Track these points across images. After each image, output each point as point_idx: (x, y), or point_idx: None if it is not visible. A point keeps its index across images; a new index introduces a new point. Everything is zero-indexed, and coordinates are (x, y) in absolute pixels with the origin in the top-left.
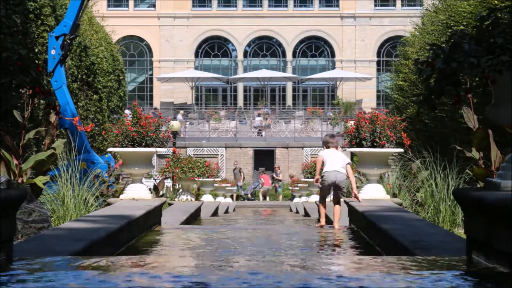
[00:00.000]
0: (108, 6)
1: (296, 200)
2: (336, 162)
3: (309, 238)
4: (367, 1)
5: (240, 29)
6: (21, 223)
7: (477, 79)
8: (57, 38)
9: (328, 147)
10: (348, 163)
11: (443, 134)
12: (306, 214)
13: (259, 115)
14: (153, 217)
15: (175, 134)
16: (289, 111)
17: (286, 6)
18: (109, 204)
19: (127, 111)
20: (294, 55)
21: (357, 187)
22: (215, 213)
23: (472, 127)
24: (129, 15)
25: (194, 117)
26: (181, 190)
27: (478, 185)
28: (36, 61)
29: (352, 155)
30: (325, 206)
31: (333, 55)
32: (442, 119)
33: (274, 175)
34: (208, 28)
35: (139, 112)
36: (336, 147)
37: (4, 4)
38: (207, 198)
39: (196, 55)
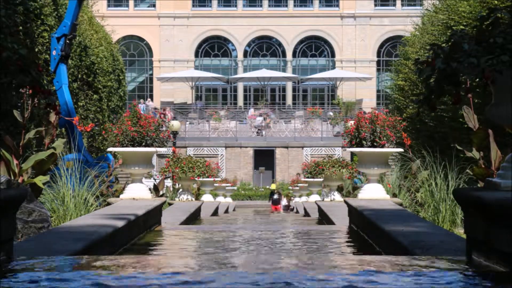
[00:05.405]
0: (108, 6)
1: (296, 200)
2: None
3: (309, 237)
4: (367, 1)
5: (240, 29)
6: (21, 223)
7: (477, 80)
8: (58, 39)
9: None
10: None
11: (443, 133)
12: (306, 214)
13: (260, 115)
14: (153, 217)
15: (175, 134)
16: (289, 111)
17: (286, 6)
18: (109, 203)
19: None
20: (294, 55)
21: (357, 187)
22: (215, 213)
23: (472, 127)
24: (129, 15)
25: (194, 117)
26: (181, 190)
27: (478, 185)
28: (36, 61)
29: (352, 155)
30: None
31: (333, 55)
32: (442, 118)
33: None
34: (208, 28)
35: (139, 112)
36: None
37: (4, 4)
38: (207, 198)
39: (196, 55)
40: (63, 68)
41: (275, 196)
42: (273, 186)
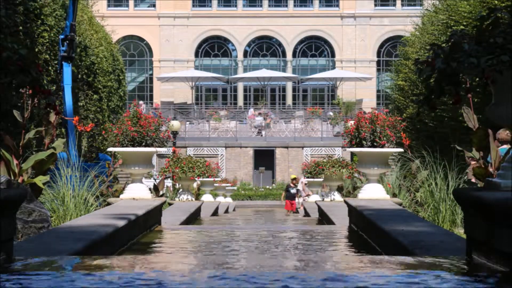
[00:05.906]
0: (108, 6)
1: (296, 200)
2: None
3: (309, 238)
4: (367, 1)
5: (240, 29)
6: (21, 223)
7: (477, 79)
8: (63, 40)
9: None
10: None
11: (443, 133)
12: (306, 214)
13: (260, 114)
14: (153, 216)
15: (175, 134)
16: (289, 111)
17: (286, 6)
18: (109, 203)
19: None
20: (294, 55)
21: (357, 187)
22: (215, 213)
23: (472, 127)
24: (129, 15)
25: (194, 117)
26: (181, 190)
27: (478, 185)
28: (36, 61)
29: (352, 155)
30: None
31: (333, 55)
32: (442, 118)
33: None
34: (208, 28)
35: (139, 112)
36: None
37: (4, 4)
38: (207, 198)
39: (196, 55)
40: (66, 69)
41: (292, 190)
42: (292, 176)
